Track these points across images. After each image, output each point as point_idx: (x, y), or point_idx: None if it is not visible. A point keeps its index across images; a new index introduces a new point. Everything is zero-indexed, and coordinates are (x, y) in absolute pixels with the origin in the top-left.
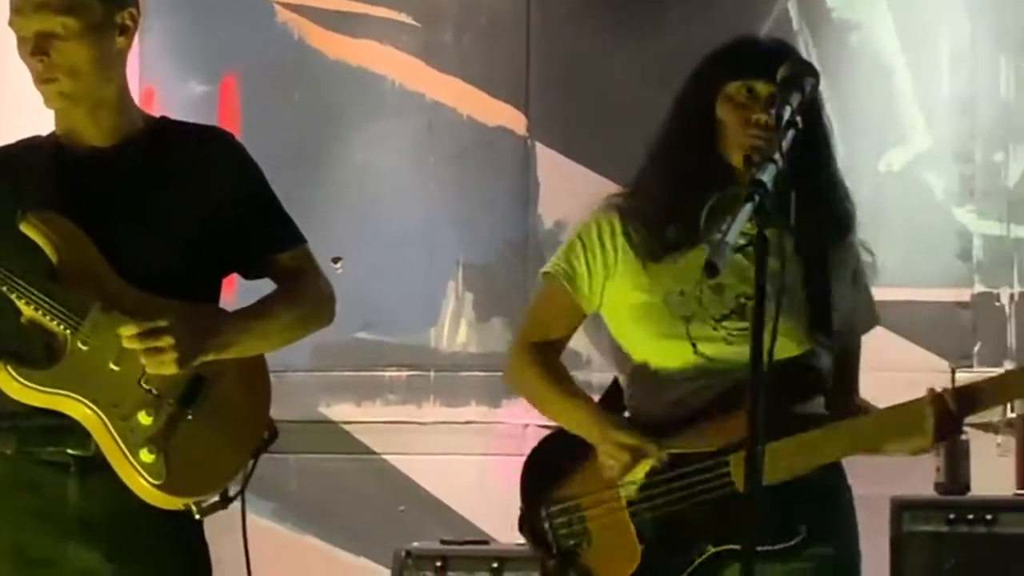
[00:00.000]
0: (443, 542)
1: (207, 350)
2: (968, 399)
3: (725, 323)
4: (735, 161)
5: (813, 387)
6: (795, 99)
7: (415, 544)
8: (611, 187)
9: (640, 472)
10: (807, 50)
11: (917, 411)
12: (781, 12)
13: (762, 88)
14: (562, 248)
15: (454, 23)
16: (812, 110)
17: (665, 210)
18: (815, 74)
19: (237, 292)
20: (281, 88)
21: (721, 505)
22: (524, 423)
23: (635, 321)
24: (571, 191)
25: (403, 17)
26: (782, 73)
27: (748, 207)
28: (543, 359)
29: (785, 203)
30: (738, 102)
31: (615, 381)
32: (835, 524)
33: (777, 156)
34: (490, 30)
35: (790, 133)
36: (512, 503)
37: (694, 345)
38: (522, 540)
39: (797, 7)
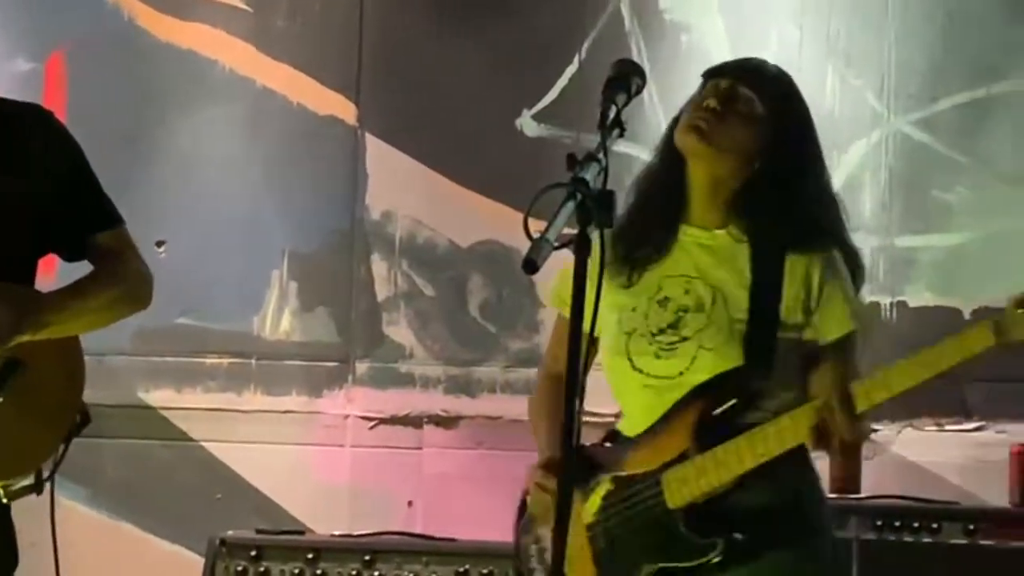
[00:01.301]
0: (258, 531)
1: (22, 330)
2: (846, 404)
3: (659, 337)
4: (681, 144)
5: (748, 402)
6: (621, 99)
7: (230, 533)
8: (440, 180)
9: (596, 499)
10: (638, 50)
11: (798, 416)
12: (614, 11)
13: (724, 82)
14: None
15: (287, 9)
16: (793, 121)
17: (637, 230)
18: (642, 75)
19: (58, 275)
20: (109, 68)
21: (656, 524)
22: (345, 414)
23: (605, 341)
24: (400, 183)
25: (235, 1)
26: (609, 73)
27: (570, 205)
28: (548, 389)
29: (610, 203)
30: (700, 94)
31: None
32: (791, 531)
33: (600, 155)
34: (323, 18)
35: (615, 132)
36: (329, 493)
37: (631, 360)
38: (338, 531)
39: (629, 7)
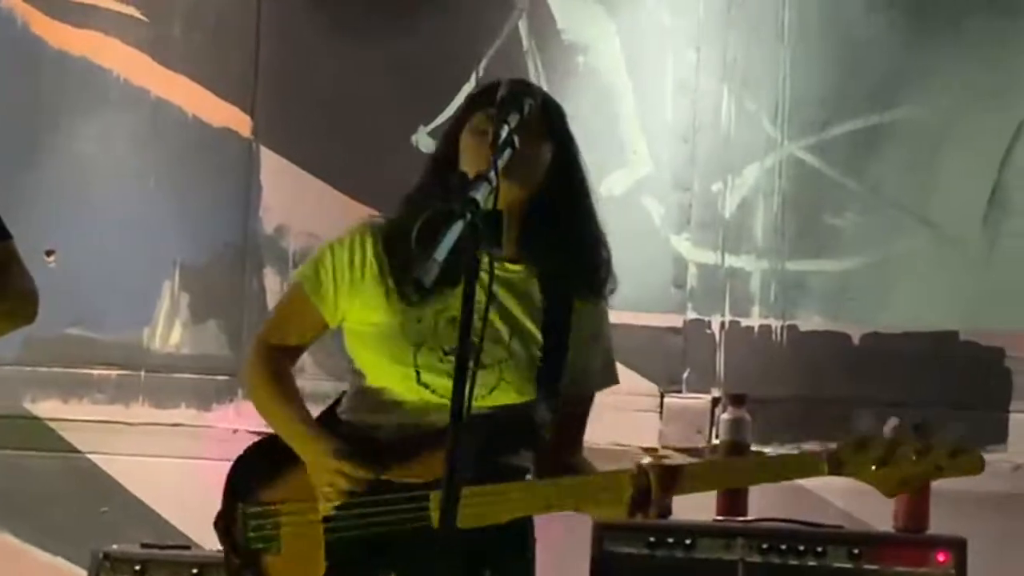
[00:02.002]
0: (143, 546)
1: None
2: (670, 480)
3: (452, 356)
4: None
5: (525, 438)
6: (513, 119)
7: (114, 547)
8: (335, 194)
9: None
10: (536, 70)
11: (618, 482)
12: (512, 30)
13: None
14: (313, 257)
15: (183, 20)
16: (571, 166)
17: (414, 246)
18: (535, 95)
19: None
20: (0, 74)
21: (412, 537)
22: (234, 428)
23: (371, 341)
24: (294, 197)
25: (130, 10)
26: (501, 92)
27: (459, 225)
28: (276, 368)
29: (498, 224)
30: (480, 130)
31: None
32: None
33: (492, 175)
34: (219, 29)
35: (507, 152)
36: (216, 508)
37: (418, 373)
38: None
39: (528, 26)
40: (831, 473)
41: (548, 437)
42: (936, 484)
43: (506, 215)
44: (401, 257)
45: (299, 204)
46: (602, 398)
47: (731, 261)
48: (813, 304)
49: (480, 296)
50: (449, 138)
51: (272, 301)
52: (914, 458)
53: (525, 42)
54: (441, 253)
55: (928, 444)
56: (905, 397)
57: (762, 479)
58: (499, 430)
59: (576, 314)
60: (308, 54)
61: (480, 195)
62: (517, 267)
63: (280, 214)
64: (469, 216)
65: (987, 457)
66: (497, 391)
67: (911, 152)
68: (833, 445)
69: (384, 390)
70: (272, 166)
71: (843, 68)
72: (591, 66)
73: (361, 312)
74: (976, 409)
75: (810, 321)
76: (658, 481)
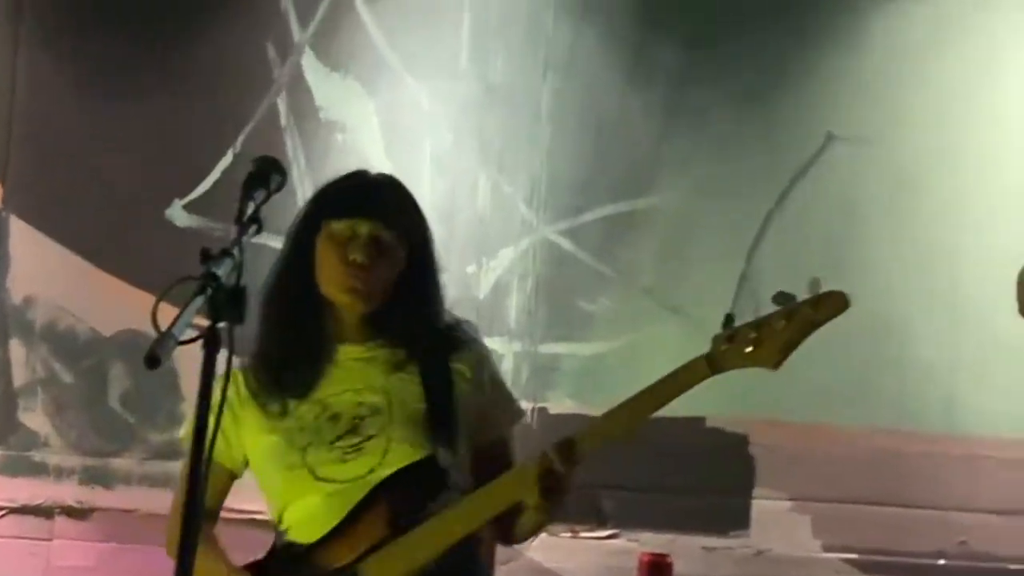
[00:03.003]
0: None
1: None
2: (569, 449)
3: (339, 443)
4: (337, 300)
5: (440, 485)
6: (259, 195)
7: None
8: (85, 266)
9: None
10: (294, 146)
11: (522, 473)
12: (271, 106)
13: (363, 227)
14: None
15: None
16: (420, 236)
17: (277, 358)
18: (282, 172)
19: None
20: None
21: None
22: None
23: (265, 462)
24: (43, 267)
25: None
26: (250, 169)
27: (198, 300)
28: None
29: (240, 298)
30: (338, 240)
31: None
32: None
33: (236, 250)
34: None
35: (252, 228)
36: None
37: (312, 471)
38: None
39: (287, 103)
40: (714, 371)
41: (466, 477)
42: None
43: (361, 315)
44: (264, 376)
45: (48, 275)
46: None
47: (486, 343)
48: (564, 387)
49: (348, 382)
50: (301, 245)
51: (17, 372)
52: (784, 323)
53: (284, 118)
54: (180, 329)
55: (790, 307)
56: (653, 482)
57: (656, 402)
58: (408, 488)
59: (454, 368)
60: (63, 122)
61: (222, 270)
62: (374, 343)
63: (28, 285)
64: (210, 291)
65: (730, 543)
66: (391, 454)
67: (662, 239)
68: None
69: (283, 500)
70: (21, 235)
71: (598, 154)
72: (350, 144)
73: (252, 441)
74: (721, 495)
75: (561, 404)
76: (558, 453)
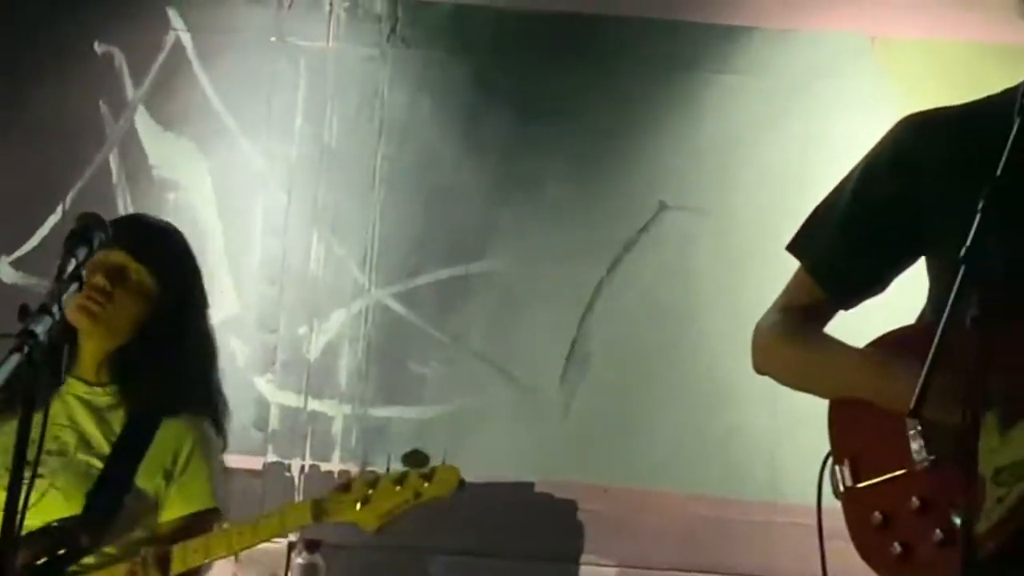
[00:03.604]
0: None
1: None
2: (164, 561)
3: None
4: (72, 320)
5: (76, 552)
6: (81, 252)
7: None
8: None
9: None
10: (125, 203)
11: (113, 570)
12: (102, 163)
13: (113, 255)
14: None
15: None
16: (179, 283)
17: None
18: (105, 229)
19: None
20: None
21: None
22: None
23: None
24: None
25: None
26: (73, 227)
27: (15, 357)
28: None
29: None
30: (90, 268)
31: None
32: None
33: (55, 308)
34: None
35: (73, 286)
36: None
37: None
38: None
39: (118, 160)
40: (316, 519)
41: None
42: None
43: (97, 349)
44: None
45: None
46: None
47: (314, 405)
48: (394, 450)
49: (60, 416)
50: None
51: None
52: (396, 488)
53: (115, 175)
54: None
55: (404, 472)
56: (481, 545)
57: (257, 536)
58: (43, 545)
59: (163, 435)
60: None
61: (41, 328)
62: (100, 389)
63: None
64: (27, 349)
65: None
66: (45, 500)
67: (495, 304)
68: None
69: None
70: None
71: (432, 219)
72: (182, 203)
73: None
74: (549, 560)
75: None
76: (154, 562)
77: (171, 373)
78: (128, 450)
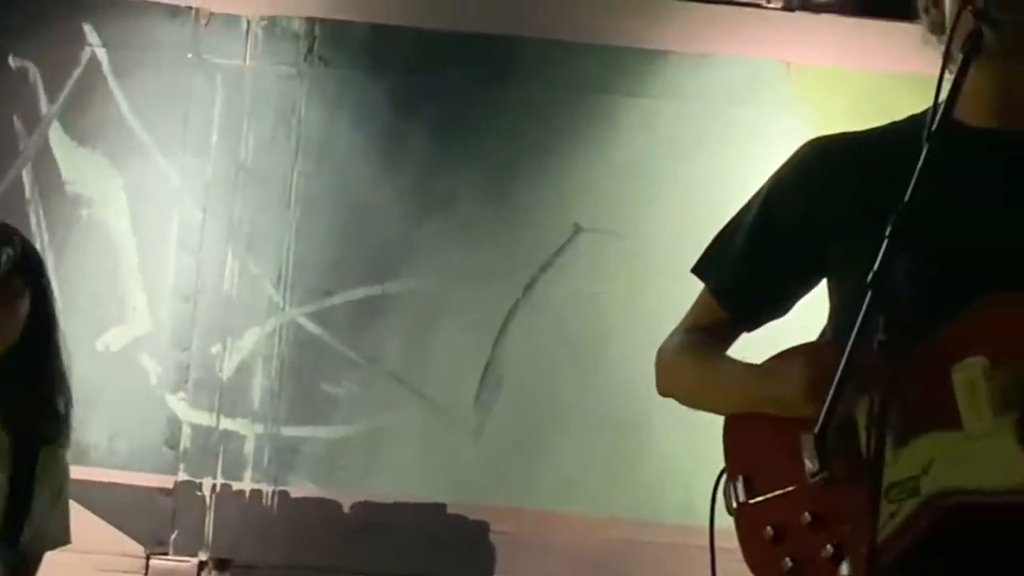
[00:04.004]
0: None
1: None
2: None
3: None
4: None
5: None
6: None
7: None
8: None
9: None
10: (38, 219)
11: None
12: (15, 178)
13: None
14: None
15: None
16: (43, 304)
17: None
18: (14, 245)
19: None
20: None
21: None
22: None
23: None
24: None
25: None
26: None
27: None
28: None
29: None
30: None
31: None
32: None
33: None
34: None
35: None
36: None
37: None
38: None
39: (31, 175)
40: None
41: None
42: None
43: None
44: None
45: None
46: (84, 558)
47: (226, 424)
48: (306, 470)
49: None
50: None
51: None
52: None
53: (28, 191)
54: None
55: None
56: (393, 567)
57: None
58: None
59: (42, 466)
60: None
61: None
62: None
63: None
64: None
65: None
66: None
67: (409, 324)
68: None
69: None
70: None
71: (347, 238)
72: (96, 220)
73: None
74: None
75: (302, 487)
76: None
77: (44, 402)
78: (19, 487)
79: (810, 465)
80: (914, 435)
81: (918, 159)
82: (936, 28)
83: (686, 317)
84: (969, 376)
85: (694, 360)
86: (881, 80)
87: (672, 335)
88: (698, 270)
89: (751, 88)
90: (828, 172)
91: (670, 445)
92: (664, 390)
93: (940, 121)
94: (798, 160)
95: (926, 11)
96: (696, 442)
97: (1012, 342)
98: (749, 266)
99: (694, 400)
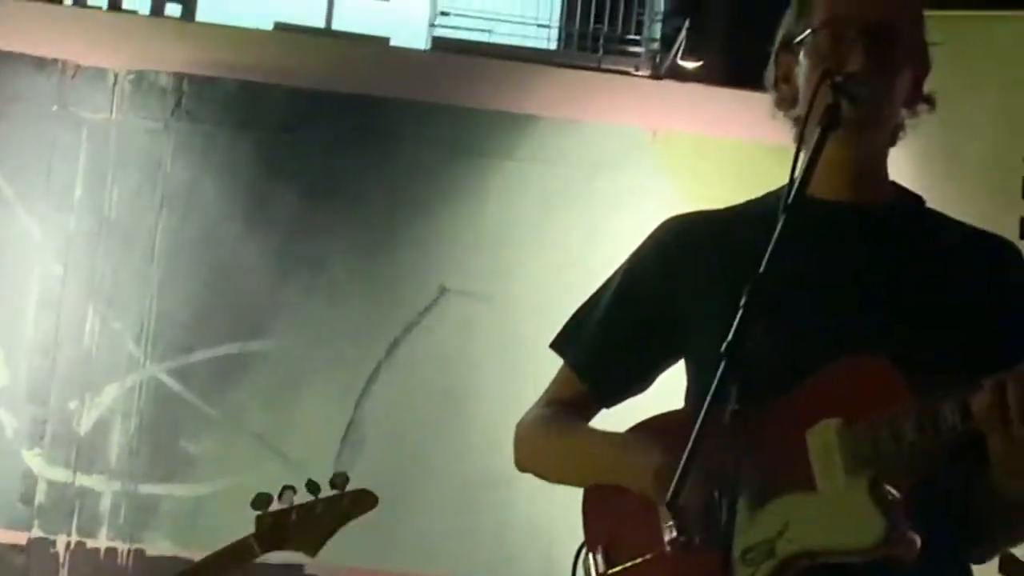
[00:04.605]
0: None
1: None
2: None
3: None
4: None
5: None
6: None
7: None
8: None
9: None
10: None
11: None
12: None
13: None
14: None
15: None
16: None
17: None
18: None
19: None
20: None
21: None
22: None
23: None
24: None
25: None
26: None
27: None
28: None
29: None
30: None
31: None
32: None
33: None
34: None
35: None
36: None
37: None
38: None
39: None
40: (264, 550)
41: None
42: None
43: None
44: None
45: None
46: None
47: (83, 480)
48: (163, 528)
49: None
50: None
51: None
52: (320, 510)
53: None
54: None
55: (330, 496)
56: None
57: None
58: None
59: None
60: None
61: None
62: None
63: None
64: None
65: None
66: None
67: (271, 383)
68: None
69: None
70: None
71: (211, 295)
72: None
73: None
74: None
75: (158, 545)
76: None
77: None
78: None
79: (667, 532)
80: (770, 498)
81: (772, 234)
82: (784, 104)
83: (546, 392)
84: (824, 438)
85: (555, 433)
86: (747, 149)
87: (531, 409)
88: (557, 346)
89: (618, 154)
90: (685, 248)
91: (534, 508)
92: (523, 465)
93: (796, 195)
94: (656, 237)
95: (775, 86)
96: (559, 506)
97: (862, 403)
98: (608, 341)
99: (554, 474)
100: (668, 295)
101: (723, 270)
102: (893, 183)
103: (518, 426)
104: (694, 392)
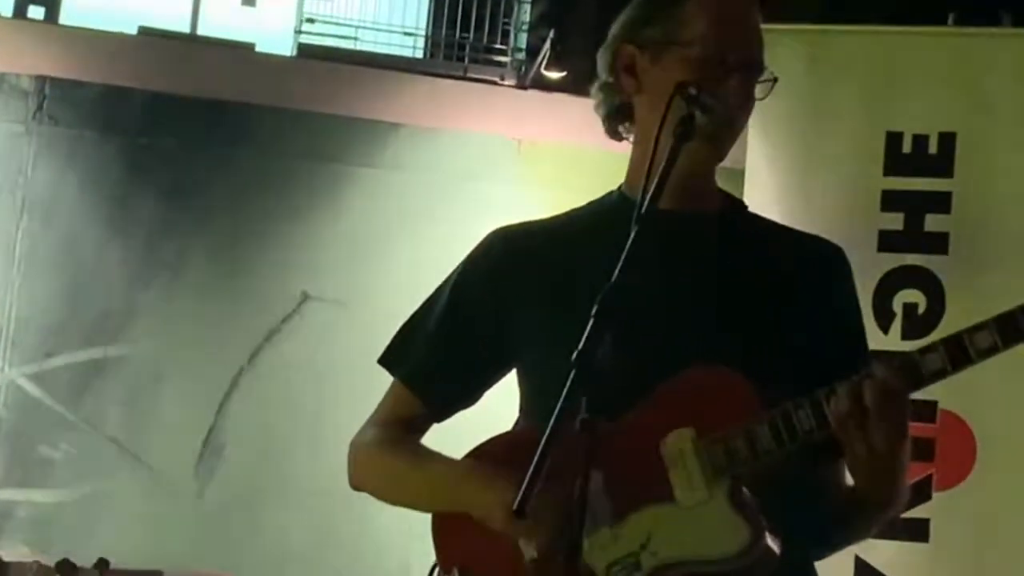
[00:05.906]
0: None
1: None
2: None
3: None
4: None
5: None
6: None
7: None
8: None
9: None
10: None
11: None
12: None
13: None
14: None
15: None
16: None
17: None
18: None
19: None
20: None
21: None
22: None
23: None
24: None
25: None
26: None
27: None
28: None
29: None
30: None
31: None
32: None
33: None
34: None
35: None
36: None
37: None
38: None
39: None
40: None
41: None
42: None
43: None
44: None
45: None
46: None
47: None
48: (20, 533)
49: None
50: None
51: None
52: None
53: None
54: None
55: None
56: None
57: None
58: None
59: None
60: None
61: None
62: None
63: None
64: None
65: None
66: None
67: (132, 389)
68: None
69: None
70: None
71: (71, 299)
72: None
73: None
74: None
75: (15, 551)
76: None
77: None
78: None
79: (525, 550)
80: (630, 511)
81: (602, 243)
82: (621, 95)
83: (377, 409)
84: (678, 448)
85: (393, 455)
86: (612, 159)
87: (364, 428)
88: (385, 361)
89: (481, 163)
90: (512, 260)
91: (392, 519)
92: (359, 485)
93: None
94: (483, 248)
95: (614, 74)
96: (416, 515)
97: (713, 412)
98: (438, 355)
99: (390, 498)
100: (496, 307)
101: (551, 281)
102: (719, 189)
103: (352, 446)
104: (532, 403)
